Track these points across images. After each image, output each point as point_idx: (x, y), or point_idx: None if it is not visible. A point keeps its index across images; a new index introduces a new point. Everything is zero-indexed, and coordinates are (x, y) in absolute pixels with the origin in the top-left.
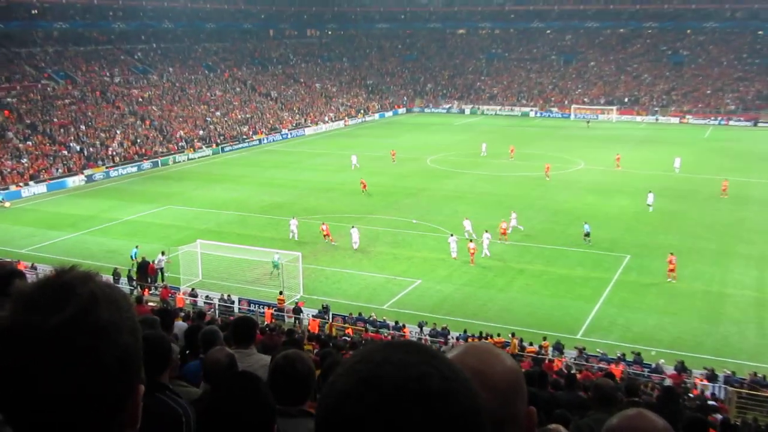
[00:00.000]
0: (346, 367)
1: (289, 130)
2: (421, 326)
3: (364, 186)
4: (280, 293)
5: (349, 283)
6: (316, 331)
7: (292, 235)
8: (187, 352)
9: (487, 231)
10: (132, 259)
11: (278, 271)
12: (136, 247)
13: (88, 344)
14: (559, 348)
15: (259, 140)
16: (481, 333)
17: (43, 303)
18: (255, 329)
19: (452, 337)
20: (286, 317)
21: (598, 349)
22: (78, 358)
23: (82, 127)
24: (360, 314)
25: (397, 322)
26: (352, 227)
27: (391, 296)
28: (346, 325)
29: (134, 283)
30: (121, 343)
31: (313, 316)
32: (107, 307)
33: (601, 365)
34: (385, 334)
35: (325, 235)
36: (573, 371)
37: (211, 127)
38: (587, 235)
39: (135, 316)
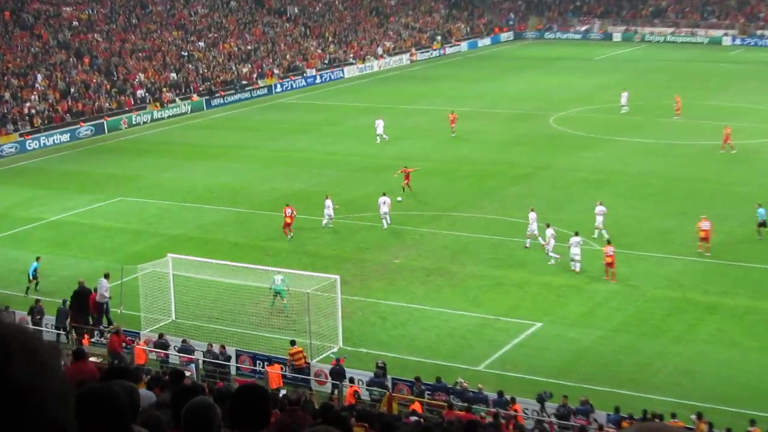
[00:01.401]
0: None
1: (317, 70)
2: (542, 400)
3: (407, 178)
4: (293, 343)
5: (421, 328)
6: (354, 402)
7: (326, 221)
8: None
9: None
10: (30, 280)
11: (283, 303)
12: (37, 260)
13: None
14: None
15: (269, 88)
16: (645, 412)
17: None
18: (269, 407)
19: (596, 419)
20: (314, 383)
21: None
22: None
23: None
24: (438, 380)
25: (501, 394)
26: (383, 195)
27: (491, 350)
28: (413, 398)
29: (67, 324)
30: (46, 414)
31: (364, 382)
32: (25, 363)
33: None
34: (482, 414)
35: (285, 225)
36: None
37: (190, 66)
38: (762, 224)
39: (64, 377)
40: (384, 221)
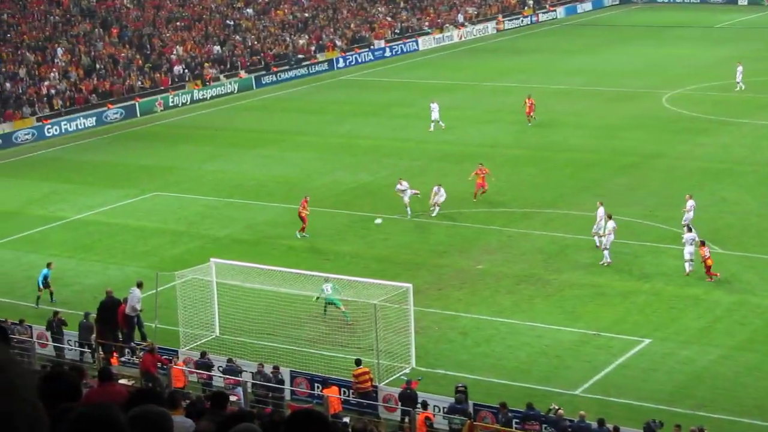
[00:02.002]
0: None
1: (386, 41)
2: (650, 430)
3: (482, 185)
4: (358, 363)
5: (508, 345)
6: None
7: (436, 211)
8: None
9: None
10: (40, 288)
11: (342, 311)
12: (48, 266)
13: None
14: None
15: (330, 62)
16: None
17: None
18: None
19: None
20: (381, 409)
21: None
22: None
23: None
24: (529, 406)
25: (602, 423)
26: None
27: (590, 371)
28: (499, 428)
29: (92, 340)
30: None
31: (440, 408)
32: None
33: None
34: None
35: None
36: None
37: (236, 38)
38: None
39: (37, 402)
40: (408, 210)
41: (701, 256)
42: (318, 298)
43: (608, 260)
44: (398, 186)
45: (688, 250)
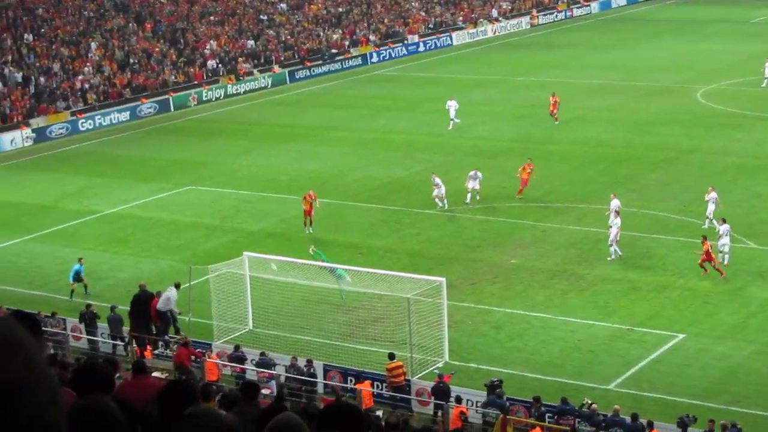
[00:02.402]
0: None
1: (420, 36)
2: (684, 425)
3: (525, 182)
4: (392, 357)
5: (541, 340)
6: (460, 426)
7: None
8: None
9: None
10: (72, 283)
11: (340, 289)
12: (79, 261)
13: None
14: None
15: (363, 57)
16: None
17: None
18: (362, 427)
19: None
20: (415, 403)
21: None
22: None
23: (27, 38)
24: (564, 400)
25: (635, 418)
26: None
27: (623, 366)
28: (532, 421)
29: (124, 333)
30: (35, 412)
31: (474, 402)
32: (9, 358)
33: None
34: None
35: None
36: None
37: (270, 32)
38: None
39: (51, 372)
40: (440, 202)
41: (702, 250)
42: (337, 274)
43: (613, 257)
44: (434, 181)
45: (723, 242)
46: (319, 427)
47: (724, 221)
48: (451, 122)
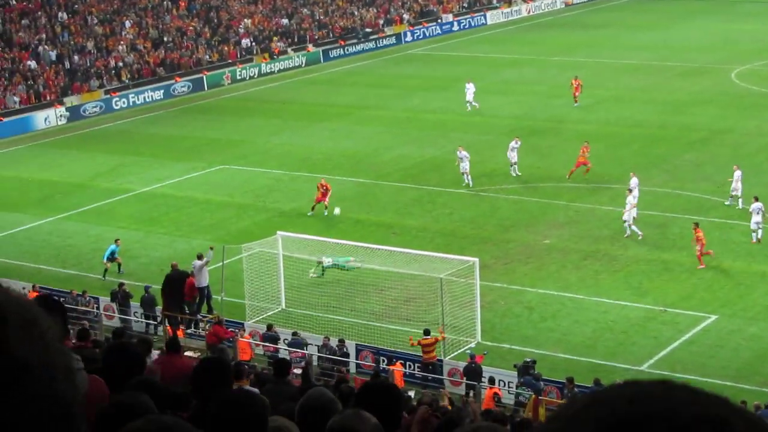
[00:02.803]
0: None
1: (455, 15)
2: None
3: (584, 162)
4: (427, 333)
5: (574, 320)
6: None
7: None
8: None
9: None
10: (105, 262)
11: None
12: (115, 242)
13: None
14: None
15: (397, 36)
16: None
17: None
18: (401, 408)
19: None
20: (447, 383)
21: None
22: None
23: (61, 16)
24: (596, 381)
25: None
26: None
27: (656, 347)
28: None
29: (157, 312)
30: (53, 391)
31: (506, 383)
32: (25, 336)
33: None
34: None
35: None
36: None
37: (304, 11)
38: None
39: (67, 349)
40: (466, 176)
41: (696, 238)
42: (318, 267)
43: (628, 232)
44: (459, 154)
45: (755, 220)
46: (356, 403)
47: (757, 199)
48: (468, 105)
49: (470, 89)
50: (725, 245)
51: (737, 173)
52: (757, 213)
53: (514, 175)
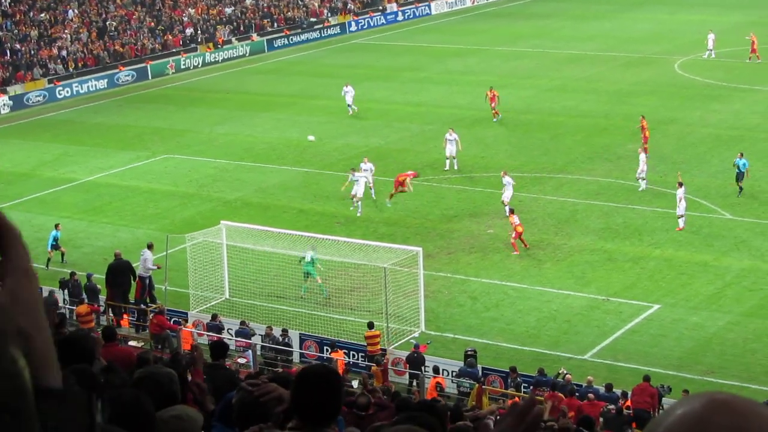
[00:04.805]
0: None
1: (399, 5)
2: (658, 395)
3: (646, 138)
4: (371, 326)
5: (517, 310)
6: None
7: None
8: None
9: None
10: (50, 251)
11: (318, 284)
12: (56, 227)
13: None
14: None
15: (342, 26)
16: None
17: None
18: (341, 395)
19: None
20: (391, 372)
21: None
22: None
23: (4, 4)
24: (540, 371)
25: (610, 388)
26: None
27: (599, 336)
28: (510, 392)
29: (102, 301)
30: None
31: (449, 372)
32: None
33: None
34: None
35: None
36: None
37: (249, 1)
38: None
39: (7, 356)
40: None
41: (511, 224)
42: (300, 263)
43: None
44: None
45: (682, 206)
46: (295, 389)
47: (681, 185)
48: (350, 109)
49: (349, 92)
50: (668, 234)
51: (642, 156)
52: (682, 199)
53: (452, 168)
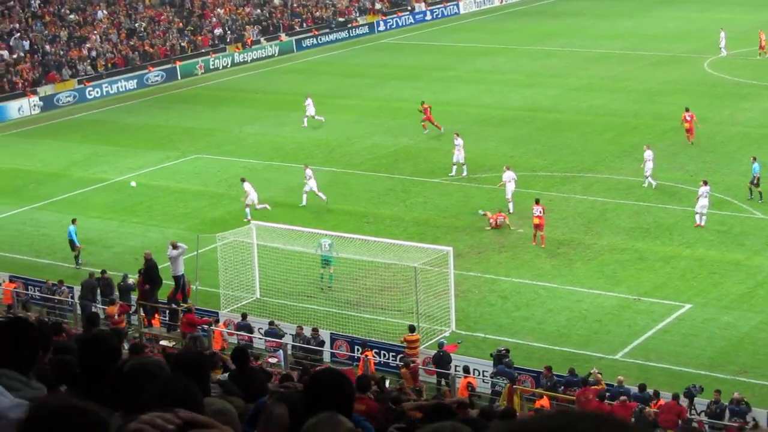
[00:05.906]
0: None
1: (427, 5)
2: (691, 395)
3: (691, 130)
4: (412, 330)
5: (548, 309)
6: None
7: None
8: None
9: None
10: (76, 246)
11: (329, 273)
12: (73, 222)
13: None
14: None
15: (370, 26)
16: None
17: None
18: (344, 395)
19: (755, 419)
20: (422, 372)
21: None
22: None
23: (34, 5)
24: (571, 371)
25: (643, 388)
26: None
27: (630, 336)
28: (540, 391)
29: (133, 301)
30: None
31: (480, 372)
32: None
33: None
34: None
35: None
36: None
37: (278, 1)
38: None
39: None
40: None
41: (532, 214)
42: (317, 252)
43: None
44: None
45: (701, 203)
46: (304, 394)
47: (705, 183)
48: (306, 119)
49: (310, 104)
50: (699, 234)
51: (648, 153)
52: (705, 197)
53: (459, 174)
